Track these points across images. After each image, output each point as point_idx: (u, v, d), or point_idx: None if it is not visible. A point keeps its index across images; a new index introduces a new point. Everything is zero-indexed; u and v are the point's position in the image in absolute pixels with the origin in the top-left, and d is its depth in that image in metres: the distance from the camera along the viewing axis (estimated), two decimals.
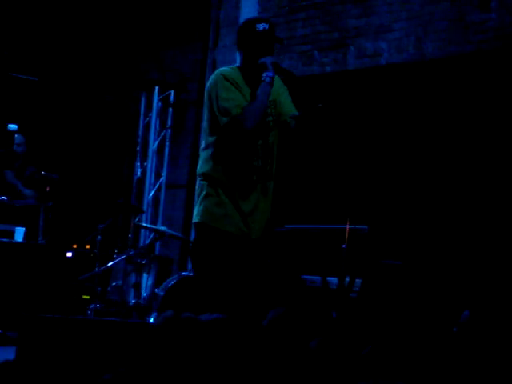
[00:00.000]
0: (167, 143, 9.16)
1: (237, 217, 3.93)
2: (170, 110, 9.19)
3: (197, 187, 4.06)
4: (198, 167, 4.06)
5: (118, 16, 9.66)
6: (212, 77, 3.99)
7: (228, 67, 4.08)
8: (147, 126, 9.21)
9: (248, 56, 3.97)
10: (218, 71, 4.02)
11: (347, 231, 5.33)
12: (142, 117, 9.25)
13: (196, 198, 4.06)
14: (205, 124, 4.04)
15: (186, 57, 9.20)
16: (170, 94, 9.18)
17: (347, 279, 5.50)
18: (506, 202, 6.18)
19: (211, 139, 3.99)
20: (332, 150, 7.11)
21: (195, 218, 4.01)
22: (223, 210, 3.92)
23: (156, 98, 9.12)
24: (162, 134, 9.19)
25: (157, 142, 9.17)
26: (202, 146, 4.08)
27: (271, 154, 4.02)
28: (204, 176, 4.00)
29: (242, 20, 8.40)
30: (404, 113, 6.96)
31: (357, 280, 5.57)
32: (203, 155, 4.04)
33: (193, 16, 9.11)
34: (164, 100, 9.20)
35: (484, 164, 6.41)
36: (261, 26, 3.92)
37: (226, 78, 3.92)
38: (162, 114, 9.21)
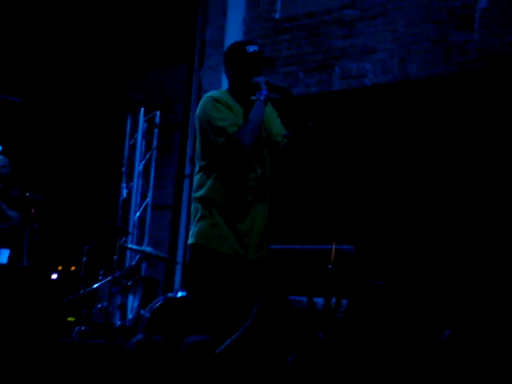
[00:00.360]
0: (153, 164, 9.15)
1: (232, 238, 3.92)
2: (156, 130, 9.19)
3: (192, 210, 4.05)
4: (193, 191, 4.06)
5: (103, 37, 9.67)
6: (201, 101, 3.99)
7: (216, 91, 4.10)
8: (133, 147, 9.20)
9: (238, 77, 3.99)
10: (207, 95, 4.03)
11: (333, 252, 5.33)
12: (127, 138, 9.25)
13: (191, 221, 4.05)
14: (197, 149, 4.05)
15: (172, 78, 9.22)
16: (155, 114, 9.19)
17: (333, 300, 5.50)
18: (483, 228, 6.22)
19: (204, 163, 3.99)
20: (318, 170, 7.13)
21: (190, 240, 4.00)
22: (218, 231, 3.91)
23: (142, 118, 9.13)
24: (148, 154, 9.19)
25: (142, 163, 9.16)
26: (196, 170, 4.08)
27: (265, 174, 4.02)
28: (198, 199, 4.00)
29: (227, 41, 8.46)
30: (389, 133, 6.99)
31: (343, 300, 5.57)
32: (197, 179, 4.04)
33: (178, 37, 9.14)
34: (150, 121, 9.20)
35: (468, 185, 6.44)
36: (251, 48, 3.96)
37: (216, 99, 3.94)
38: (148, 135, 9.21)
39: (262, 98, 3.88)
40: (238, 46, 4.03)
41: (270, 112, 4.11)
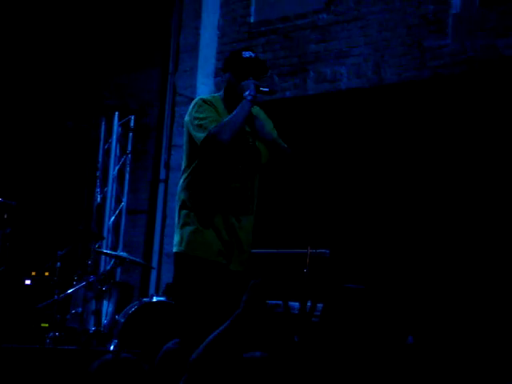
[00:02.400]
0: (127, 168, 9.11)
1: (216, 244, 3.91)
2: (131, 135, 9.15)
3: (176, 215, 4.04)
4: (177, 196, 4.05)
5: (77, 41, 9.62)
6: (191, 105, 4.04)
7: (208, 95, 4.15)
8: (107, 152, 9.15)
9: (232, 81, 4.03)
10: (197, 97, 4.11)
11: (308, 255, 5.33)
12: (101, 142, 9.20)
13: (175, 227, 4.03)
14: (183, 153, 4.06)
15: (146, 82, 9.18)
16: (130, 119, 9.15)
17: (309, 303, 5.50)
18: (461, 236, 6.26)
19: (188, 168, 4.00)
20: (293, 174, 7.13)
21: (175, 248, 3.98)
22: (201, 237, 3.90)
23: (116, 123, 9.08)
24: (123, 159, 9.14)
25: (117, 168, 9.11)
26: (180, 174, 4.07)
27: (249, 187, 4.01)
28: (183, 204, 3.99)
29: (202, 45, 8.45)
30: (364, 137, 7.02)
31: (318, 304, 5.57)
32: (181, 184, 4.04)
33: (153, 41, 9.12)
34: (124, 125, 9.16)
35: (444, 188, 6.48)
36: (247, 54, 4.04)
37: (204, 101, 3.99)
38: (122, 140, 9.17)
39: (248, 97, 3.91)
40: (235, 52, 4.13)
41: (267, 123, 4.11)
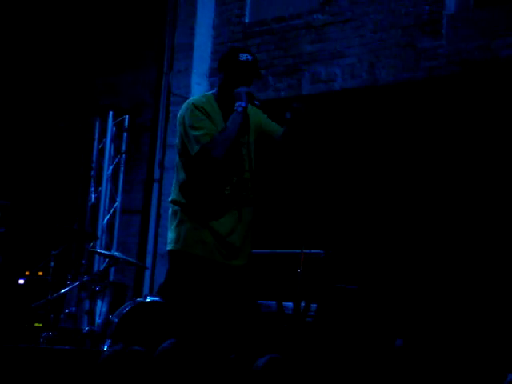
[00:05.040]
0: (122, 168, 9.10)
1: (212, 242, 3.89)
2: (125, 135, 9.13)
3: (169, 214, 4.01)
4: (171, 194, 4.03)
5: (72, 41, 9.61)
6: (183, 106, 3.99)
7: (201, 96, 4.09)
8: (101, 152, 9.13)
9: (225, 82, 3.98)
10: (189, 100, 4.02)
11: (302, 256, 5.33)
12: (96, 142, 9.18)
13: (169, 225, 4.00)
14: (177, 150, 4.03)
15: (141, 82, 9.17)
16: (124, 118, 9.13)
17: (303, 304, 5.50)
18: (453, 238, 6.27)
19: (182, 167, 3.98)
20: (287, 173, 7.14)
21: (169, 246, 3.95)
22: (198, 235, 3.88)
23: (110, 123, 9.06)
24: (117, 159, 9.13)
25: (111, 168, 9.10)
26: (175, 173, 4.06)
27: (245, 180, 3.99)
28: (177, 202, 3.97)
29: (196, 45, 8.46)
30: (358, 137, 7.03)
31: (312, 305, 5.58)
32: (175, 182, 4.02)
33: (147, 41, 9.11)
34: (118, 125, 9.15)
35: (438, 190, 6.49)
36: (244, 57, 3.95)
37: (196, 107, 3.92)
38: (117, 140, 9.15)
39: (239, 109, 3.87)
40: (232, 51, 4.03)
41: (255, 114, 4.08)
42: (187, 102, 4.01)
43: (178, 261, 3.91)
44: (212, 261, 3.87)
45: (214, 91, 4.07)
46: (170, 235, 3.95)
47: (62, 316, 6.75)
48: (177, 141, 4.02)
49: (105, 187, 9.01)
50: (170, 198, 4.02)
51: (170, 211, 4.01)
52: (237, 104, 3.88)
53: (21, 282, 7.35)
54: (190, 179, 3.93)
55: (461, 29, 6.62)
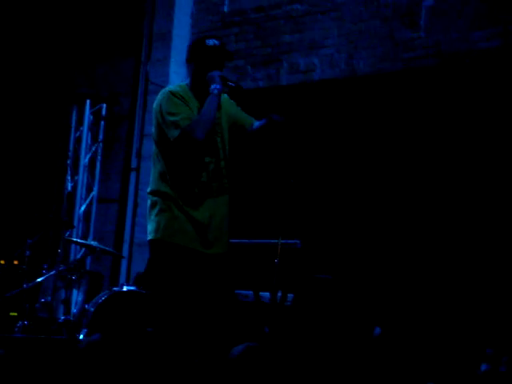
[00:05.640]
0: (99, 157, 9.05)
1: (192, 231, 3.89)
2: (102, 123, 9.09)
3: (148, 205, 4.00)
4: (150, 185, 4.02)
5: (49, 28, 9.52)
6: (159, 95, 4.01)
7: (175, 85, 4.11)
8: (78, 140, 9.09)
9: (197, 70, 4.01)
10: (164, 89, 4.05)
11: (279, 246, 5.34)
12: (73, 130, 9.13)
13: (148, 216, 3.99)
14: (153, 141, 4.03)
15: (119, 70, 9.12)
16: (101, 107, 9.09)
17: (279, 294, 5.51)
18: (428, 226, 6.31)
19: (160, 156, 3.97)
20: (265, 163, 7.14)
21: (150, 236, 3.95)
22: (178, 224, 3.88)
23: (88, 111, 9.02)
24: (94, 147, 9.08)
25: (88, 156, 9.05)
26: (152, 164, 4.05)
27: (220, 169, 4.00)
28: (155, 192, 3.97)
29: (175, 34, 8.42)
30: (335, 127, 7.03)
31: (289, 294, 5.59)
32: (153, 172, 4.02)
33: (125, 30, 9.06)
34: (96, 114, 9.10)
35: (413, 179, 6.52)
36: (211, 42, 4.00)
37: (173, 94, 3.95)
38: (94, 128, 9.11)
39: (215, 91, 3.91)
40: (198, 40, 4.07)
41: (229, 105, 4.13)
42: (162, 90, 4.04)
43: (159, 250, 3.91)
44: (192, 250, 3.88)
45: (187, 82, 4.08)
46: (150, 226, 3.95)
47: (37, 305, 6.72)
48: (153, 130, 4.02)
49: (82, 176, 8.97)
50: (148, 189, 4.02)
51: (148, 202, 4.00)
52: (212, 87, 3.92)
53: None
54: (168, 168, 3.93)
55: (439, 20, 6.64)
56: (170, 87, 4.06)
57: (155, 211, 3.94)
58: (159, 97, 4.00)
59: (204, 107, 3.89)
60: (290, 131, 4.14)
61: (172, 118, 3.86)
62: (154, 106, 4.01)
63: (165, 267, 3.88)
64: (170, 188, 3.92)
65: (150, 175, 4.05)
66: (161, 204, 3.92)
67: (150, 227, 3.95)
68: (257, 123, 4.09)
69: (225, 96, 4.14)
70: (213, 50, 3.98)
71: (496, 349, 5.00)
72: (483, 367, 4.88)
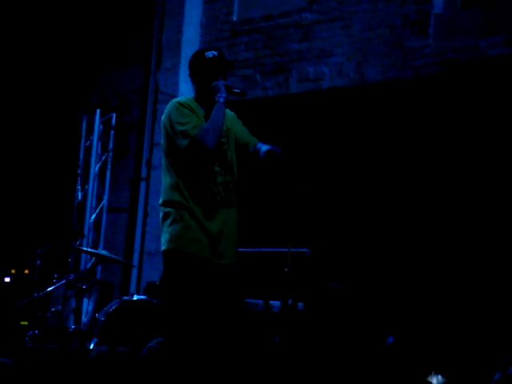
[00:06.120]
0: (109, 166, 9.07)
1: (205, 241, 3.91)
2: (112, 132, 9.11)
3: (161, 216, 4.01)
4: (161, 197, 4.03)
5: (59, 38, 9.57)
6: (167, 106, 4.04)
7: (183, 97, 4.14)
8: (88, 149, 9.11)
9: (201, 84, 4.04)
10: (172, 101, 4.08)
11: (289, 254, 5.33)
12: (83, 140, 9.15)
13: (162, 228, 4.01)
14: (163, 152, 4.05)
15: (129, 80, 9.15)
16: (111, 116, 9.11)
17: (290, 302, 5.50)
18: (441, 234, 6.29)
19: (170, 167, 3.99)
20: (274, 172, 7.13)
21: (164, 246, 3.96)
22: (192, 233, 3.90)
23: (97, 120, 9.04)
24: (104, 157, 9.10)
25: (98, 165, 9.07)
26: (163, 174, 4.07)
27: (231, 180, 4.02)
28: (168, 203, 3.98)
29: (184, 43, 8.44)
30: (345, 136, 7.03)
31: (299, 303, 5.58)
32: (164, 183, 4.04)
33: (135, 39, 9.09)
34: (106, 123, 9.12)
35: (422, 186, 6.50)
36: (210, 54, 4.04)
37: (181, 104, 3.98)
38: (104, 137, 9.13)
39: (221, 99, 3.93)
40: (197, 54, 4.11)
41: (235, 123, 4.16)
42: (170, 102, 4.07)
43: (173, 260, 3.92)
44: (205, 258, 3.89)
45: (193, 95, 4.11)
46: (164, 237, 3.97)
47: (48, 314, 6.73)
48: (162, 142, 4.04)
49: (92, 185, 8.99)
50: (160, 201, 4.03)
51: (161, 214, 4.02)
52: (217, 95, 3.95)
53: (7, 280, 7.32)
54: (179, 178, 3.95)
55: (448, 28, 6.63)
56: (177, 98, 4.10)
57: (168, 222, 3.95)
58: (167, 108, 4.03)
59: (212, 115, 3.91)
60: (289, 163, 4.15)
61: (181, 128, 3.89)
62: (163, 117, 4.03)
63: (179, 276, 3.89)
64: (180, 197, 3.93)
65: (162, 186, 4.07)
66: (174, 214, 3.94)
67: (164, 238, 3.97)
68: (259, 146, 4.09)
69: (232, 113, 4.18)
70: (213, 62, 4.01)
71: (510, 357, 4.98)
72: (497, 376, 4.86)
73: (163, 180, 4.05)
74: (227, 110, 4.13)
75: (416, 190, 6.52)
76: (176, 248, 3.91)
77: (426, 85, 6.66)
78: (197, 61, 4.06)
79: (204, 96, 4.02)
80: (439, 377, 4.69)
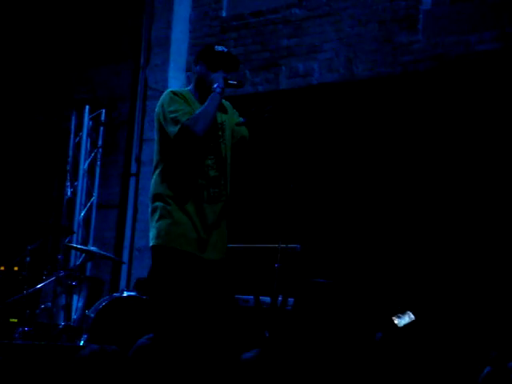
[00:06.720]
0: (98, 163, 9.05)
1: (193, 236, 3.90)
2: (102, 129, 9.09)
3: (149, 211, 4.01)
4: (151, 191, 4.02)
5: (48, 34, 9.53)
6: (162, 96, 4.05)
7: (178, 88, 4.16)
8: (78, 145, 9.09)
9: (203, 71, 4.05)
10: (167, 90, 4.10)
11: (279, 250, 5.34)
12: (72, 136, 9.12)
13: (150, 223, 4.00)
14: (155, 148, 4.05)
15: (118, 76, 9.13)
16: (101, 112, 9.09)
17: (280, 298, 5.51)
18: (430, 229, 6.31)
19: (161, 161, 3.99)
20: (265, 168, 7.14)
21: (151, 242, 3.95)
22: (179, 229, 3.89)
23: (87, 116, 9.02)
24: (93, 153, 9.08)
25: (88, 162, 9.05)
26: (153, 168, 4.06)
27: (221, 175, 4.01)
28: (156, 196, 3.97)
29: (173, 39, 8.43)
30: (334, 131, 7.04)
31: (289, 299, 5.58)
32: (154, 177, 4.02)
33: (124, 35, 9.07)
34: (95, 119, 9.10)
35: (411, 181, 6.52)
36: (219, 48, 4.08)
37: (174, 93, 4.00)
38: (93, 134, 9.11)
39: (217, 89, 3.94)
40: (208, 45, 4.16)
41: (232, 114, 4.15)
42: (165, 92, 4.07)
43: (161, 256, 3.91)
44: (193, 254, 3.88)
45: (190, 88, 4.12)
46: (152, 232, 3.96)
47: (37, 311, 6.72)
48: (155, 135, 4.03)
49: (81, 181, 8.97)
50: (149, 195, 4.02)
51: (149, 209, 4.01)
52: (214, 86, 3.96)
53: None
54: (169, 171, 3.94)
55: (437, 24, 6.64)
56: (172, 88, 4.12)
57: (156, 217, 3.94)
58: (161, 98, 4.03)
59: (205, 104, 3.91)
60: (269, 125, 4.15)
61: (172, 115, 3.89)
62: (156, 108, 4.02)
63: (167, 272, 3.88)
64: (169, 192, 3.92)
65: (151, 182, 4.06)
66: (161, 209, 3.93)
67: (152, 233, 3.96)
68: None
69: (229, 105, 4.19)
70: (219, 55, 4.04)
71: (500, 352, 5.00)
72: (487, 370, 4.88)
73: (154, 173, 4.04)
74: (227, 105, 4.14)
75: (406, 186, 6.53)
76: (163, 244, 3.90)
77: (416, 80, 6.67)
78: (205, 50, 4.10)
79: (202, 86, 4.03)
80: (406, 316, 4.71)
